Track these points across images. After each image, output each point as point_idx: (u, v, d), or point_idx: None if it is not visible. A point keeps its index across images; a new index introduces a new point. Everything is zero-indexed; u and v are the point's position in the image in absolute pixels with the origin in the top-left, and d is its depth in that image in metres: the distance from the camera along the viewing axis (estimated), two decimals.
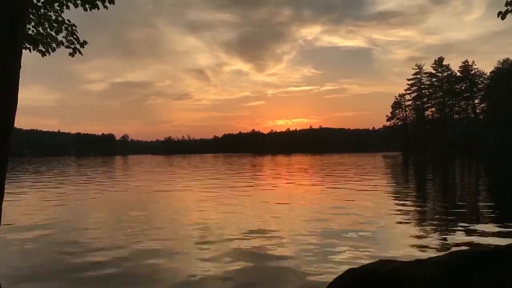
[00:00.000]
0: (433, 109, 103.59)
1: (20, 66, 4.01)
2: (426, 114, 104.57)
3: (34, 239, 8.25)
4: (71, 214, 12.01)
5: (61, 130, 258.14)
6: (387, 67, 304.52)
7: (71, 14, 6.22)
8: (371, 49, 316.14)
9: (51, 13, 6.02)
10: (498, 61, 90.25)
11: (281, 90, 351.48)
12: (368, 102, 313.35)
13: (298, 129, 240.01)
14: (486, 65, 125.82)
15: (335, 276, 3.56)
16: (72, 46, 6.31)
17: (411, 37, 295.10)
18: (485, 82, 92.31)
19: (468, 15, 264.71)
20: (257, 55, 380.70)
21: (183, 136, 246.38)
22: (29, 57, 4.09)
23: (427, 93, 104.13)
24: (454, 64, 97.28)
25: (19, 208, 12.80)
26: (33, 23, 5.96)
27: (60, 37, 6.21)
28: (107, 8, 6.36)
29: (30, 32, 5.98)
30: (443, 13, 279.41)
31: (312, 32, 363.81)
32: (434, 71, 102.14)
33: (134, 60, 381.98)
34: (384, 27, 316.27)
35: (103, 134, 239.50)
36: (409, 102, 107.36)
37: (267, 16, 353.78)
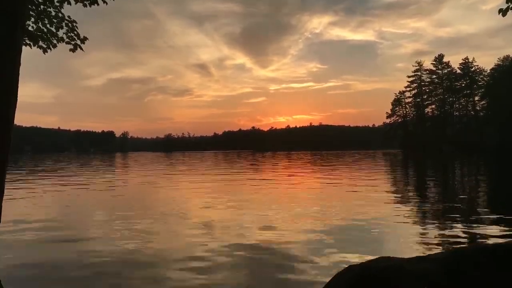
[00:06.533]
0: (433, 106, 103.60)
1: (20, 63, 4.01)
2: (426, 111, 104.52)
3: (34, 235, 8.26)
4: (72, 210, 12.02)
5: (61, 127, 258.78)
6: (392, 63, 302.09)
7: (66, 5, 6.21)
8: (378, 42, 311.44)
9: (51, 9, 6.01)
10: (498, 58, 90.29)
11: (283, 86, 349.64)
12: (372, 98, 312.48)
13: (298, 126, 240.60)
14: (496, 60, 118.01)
15: (335, 273, 3.57)
16: (73, 42, 6.32)
17: (421, 29, 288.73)
18: (485, 79, 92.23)
19: (484, 4, 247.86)
20: (261, 49, 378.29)
21: (183, 134, 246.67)
22: (26, 53, 4.11)
23: (427, 90, 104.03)
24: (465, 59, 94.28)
25: (19, 204, 12.81)
26: (32, 19, 5.95)
27: (60, 33, 6.21)
28: (106, 3, 6.36)
29: (30, 28, 5.97)
30: (458, 2, 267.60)
31: (320, 23, 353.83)
32: (434, 68, 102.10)
33: (133, 54, 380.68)
34: (396, 17, 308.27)
35: (103, 131, 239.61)
36: (409, 99, 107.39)
37: (273, 7, 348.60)
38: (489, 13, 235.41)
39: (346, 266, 3.46)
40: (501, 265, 2.93)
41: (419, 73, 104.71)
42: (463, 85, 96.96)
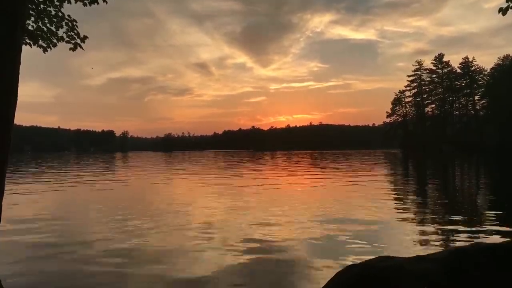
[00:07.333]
0: (433, 105, 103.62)
1: (20, 63, 4.00)
2: (426, 111, 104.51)
3: (34, 234, 8.26)
4: (72, 208, 12.02)
5: (61, 127, 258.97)
6: (394, 62, 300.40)
7: (66, 4, 6.20)
8: (379, 42, 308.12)
9: (51, 8, 6.01)
10: (498, 58, 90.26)
11: (284, 85, 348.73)
12: (373, 98, 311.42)
13: (298, 126, 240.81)
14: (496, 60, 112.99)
15: (335, 272, 3.57)
16: (73, 42, 6.31)
17: (423, 28, 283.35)
18: (485, 78, 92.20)
19: (486, 3, 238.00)
20: (262, 48, 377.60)
21: (183, 133, 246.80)
22: (26, 53, 4.09)
23: (427, 89, 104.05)
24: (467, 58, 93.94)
25: (22, 203, 12.81)
26: (32, 19, 5.95)
27: (60, 32, 6.21)
28: (106, 2, 6.35)
29: (30, 27, 5.97)
30: (460, 1, 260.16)
31: (322, 22, 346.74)
32: (434, 68, 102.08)
33: (133, 53, 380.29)
34: (398, 16, 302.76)
35: (103, 130, 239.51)
36: (409, 99, 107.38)
37: (274, 5, 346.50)
38: (490, 12, 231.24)
39: (346, 265, 3.46)
40: (501, 265, 2.93)
41: (419, 73, 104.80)
42: (463, 84, 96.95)
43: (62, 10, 6.14)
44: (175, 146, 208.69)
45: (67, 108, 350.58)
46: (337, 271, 3.49)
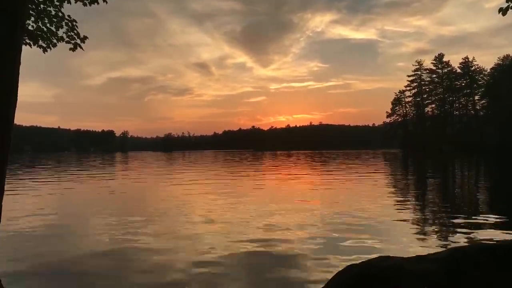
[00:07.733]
0: (433, 105, 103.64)
1: (20, 63, 4.00)
2: (426, 111, 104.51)
3: (35, 234, 8.26)
4: (72, 208, 12.02)
5: (61, 127, 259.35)
6: (394, 62, 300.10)
7: (66, 4, 6.20)
8: (380, 41, 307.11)
9: (51, 8, 6.01)
10: (498, 58, 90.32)
11: (284, 85, 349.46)
12: (373, 98, 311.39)
13: (298, 126, 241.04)
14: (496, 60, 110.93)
15: (335, 272, 3.57)
16: (73, 42, 6.31)
17: (423, 27, 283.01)
18: (485, 78, 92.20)
19: (486, 2, 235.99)
20: (262, 48, 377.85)
21: (183, 133, 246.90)
22: (26, 53, 4.09)
23: (427, 89, 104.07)
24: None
25: (23, 202, 12.81)
26: (32, 19, 5.95)
27: (60, 32, 6.21)
28: (106, 2, 6.35)
29: (30, 27, 5.97)
30: (460, 1, 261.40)
31: (322, 22, 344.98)
32: (434, 68, 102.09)
33: (133, 53, 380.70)
34: (398, 16, 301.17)
35: (103, 130, 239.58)
36: (409, 99, 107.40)
37: (274, 5, 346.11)
38: (491, 12, 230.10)
39: (346, 265, 3.46)
40: (501, 265, 2.93)
41: (419, 73, 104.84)
42: (463, 84, 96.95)
43: (62, 10, 6.14)
44: (175, 146, 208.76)
45: (67, 108, 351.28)
46: (337, 271, 3.49)
